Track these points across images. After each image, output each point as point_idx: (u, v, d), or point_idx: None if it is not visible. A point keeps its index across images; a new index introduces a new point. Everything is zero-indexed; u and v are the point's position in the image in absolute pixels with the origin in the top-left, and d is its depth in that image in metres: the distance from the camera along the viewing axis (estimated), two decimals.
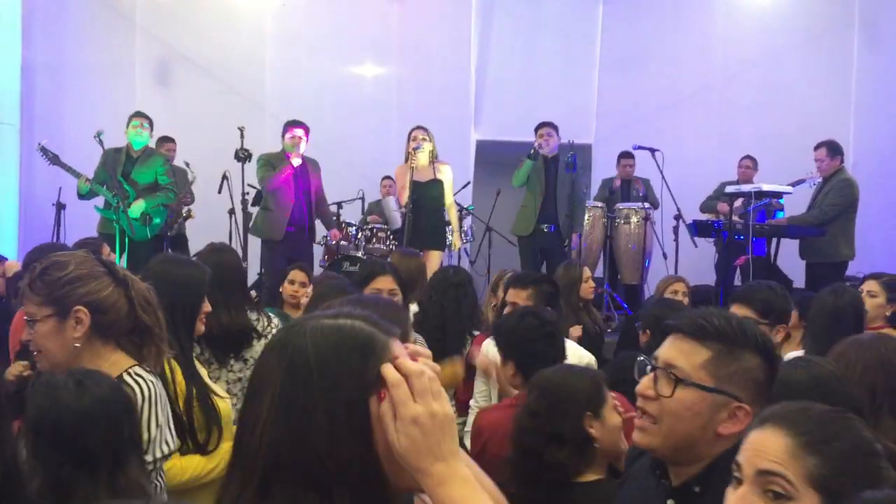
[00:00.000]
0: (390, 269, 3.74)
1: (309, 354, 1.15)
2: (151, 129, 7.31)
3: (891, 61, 9.51)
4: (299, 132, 7.09)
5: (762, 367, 1.71)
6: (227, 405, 2.69)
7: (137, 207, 6.98)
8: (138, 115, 7.26)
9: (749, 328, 1.74)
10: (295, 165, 6.97)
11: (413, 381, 1.14)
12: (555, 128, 7.44)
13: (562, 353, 3.04)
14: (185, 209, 7.86)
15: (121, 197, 6.90)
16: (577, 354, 3.91)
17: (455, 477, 1.14)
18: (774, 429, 1.40)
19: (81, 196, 7.02)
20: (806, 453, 1.37)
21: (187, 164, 7.72)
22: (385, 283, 3.56)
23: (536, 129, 7.48)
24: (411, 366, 1.16)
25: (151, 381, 2.10)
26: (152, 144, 7.48)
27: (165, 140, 8.10)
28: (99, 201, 7.06)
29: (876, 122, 9.42)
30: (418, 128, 7.22)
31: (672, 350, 1.75)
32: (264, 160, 7.03)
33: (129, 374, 2.07)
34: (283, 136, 7.13)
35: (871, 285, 4.45)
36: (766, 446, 1.39)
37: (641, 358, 1.82)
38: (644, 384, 1.75)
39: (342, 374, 1.14)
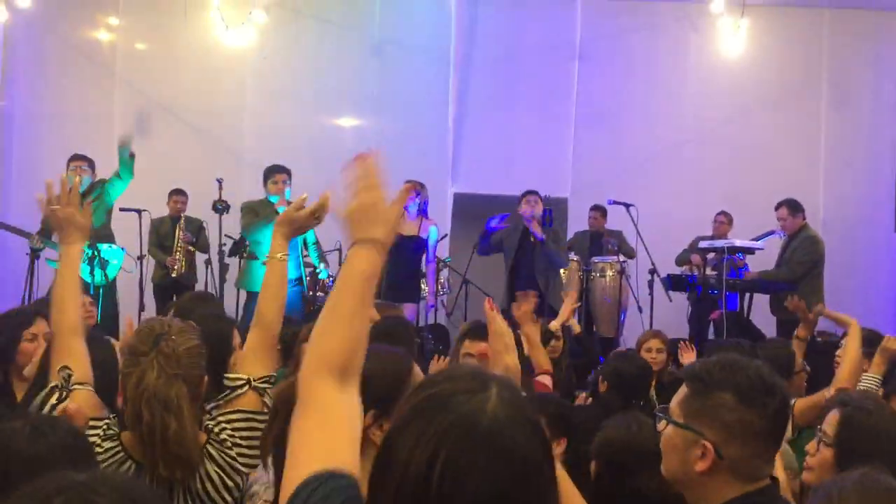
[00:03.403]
0: None
1: None
2: (93, 170, 7.13)
3: (858, 119, 9.76)
4: (282, 177, 6.98)
5: (733, 407, 1.74)
6: None
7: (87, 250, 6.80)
8: (76, 157, 7.08)
9: (735, 370, 1.79)
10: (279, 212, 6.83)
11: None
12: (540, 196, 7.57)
13: None
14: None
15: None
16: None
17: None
18: None
19: (35, 251, 6.89)
20: None
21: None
22: None
23: (523, 196, 7.58)
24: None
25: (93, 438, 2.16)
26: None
27: (176, 193, 8.09)
28: (51, 255, 6.92)
29: (844, 179, 9.63)
30: (406, 182, 7.29)
31: (676, 393, 1.88)
32: (248, 207, 6.95)
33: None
34: (265, 182, 7.05)
35: None
36: None
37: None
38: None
39: None
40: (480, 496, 1.14)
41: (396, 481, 1.17)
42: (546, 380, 4.52)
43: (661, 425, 1.85)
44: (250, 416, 2.38)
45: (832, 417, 2.38)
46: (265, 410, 2.36)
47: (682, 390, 1.83)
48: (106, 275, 6.79)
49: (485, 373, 1.28)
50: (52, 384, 2.28)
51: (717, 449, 1.73)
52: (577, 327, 5.28)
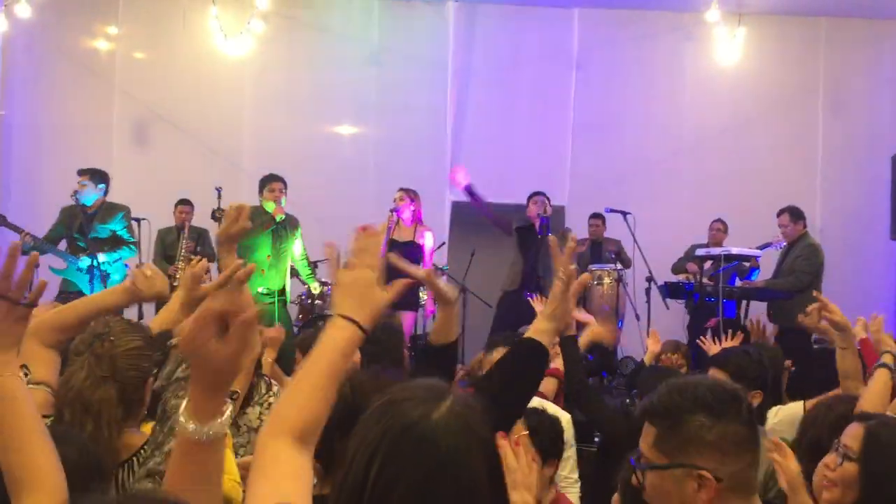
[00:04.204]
0: None
1: None
2: (100, 183, 7.07)
3: (855, 127, 9.81)
4: (278, 185, 6.99)
5: (711, 425, 1.66)
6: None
7: (88, 259, 6.83)
8: (80, 172, 7.06)
9: (688, 392, 1.70)
10: (277, 221, 6.79)
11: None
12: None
13: None
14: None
15: (75, 255, 6.82)
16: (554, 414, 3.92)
17: None
18: None
19: (23, 253, 6.86)
20: None
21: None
22: None
23: (530, 197, 7.73)
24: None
25: None
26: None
27: (182, 203, 8.11)
28: (55, 262, 6.94)
29: (841, 186, 9.67)
30: (399, 189, 7.34)
31: (642, 438, 1.74)
32: None
33: None
34: (260, 191, 7.05)
35: None
36: None
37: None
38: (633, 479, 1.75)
39: None
40: (409, 497, 1.18)
41: (342, 478, 1.23)
42: (549, 384, 4.47)
43: (636, 478, 1.71)
44: None
45: (855, 432, 2.28)
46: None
47: (650, 432, 1.71)
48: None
49: (445, 387, 1.30)
50: None
51: (714, 474, 1.63)
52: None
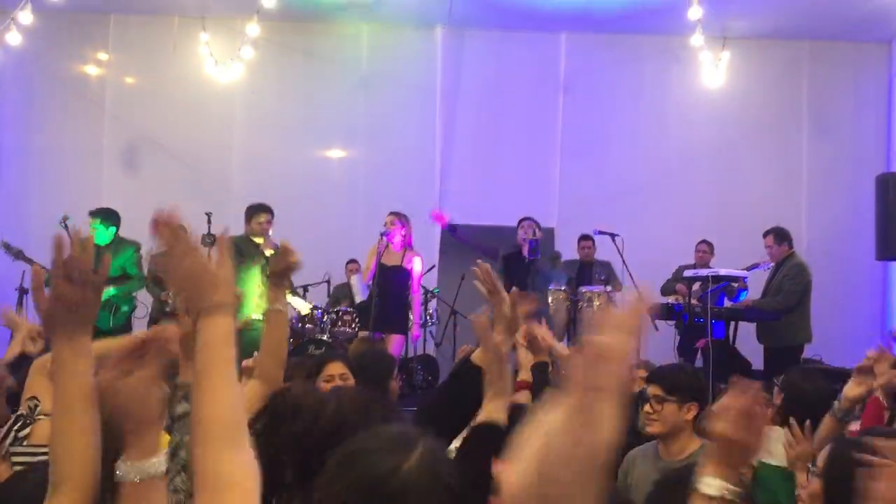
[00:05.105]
0: (341, 355, 3.79)
1: None
2: (111, 226, 7.16)
3: (838, 148, 9.91)
4: (266, 217, 6.96)
5: None
6: None
7: (105, 292, 6.86)
8: (91, 213, 7.12)
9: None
10: (268, 256, 6.72)
11: None
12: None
13: None
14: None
15: None
16: None
17: None
18: None
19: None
20: None
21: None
22: (336, 369, 3.59)
23: (520, 223, 7.84)
24: None
25: None
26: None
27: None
28: None
29: (826, 207, 9.76)
30: (390, 213, 7.37)
31: None
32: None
33: None
34: (247, 220, 7.02)
35: None
36: None
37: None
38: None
39: None
40: None
41: None
42: (523, 397, 4.47)
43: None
44: None
45: (825, 451, 2.40)
46: None
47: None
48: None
49: (414, 435, 1.27)
50: (18, 413, 2.33)
51: None
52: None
